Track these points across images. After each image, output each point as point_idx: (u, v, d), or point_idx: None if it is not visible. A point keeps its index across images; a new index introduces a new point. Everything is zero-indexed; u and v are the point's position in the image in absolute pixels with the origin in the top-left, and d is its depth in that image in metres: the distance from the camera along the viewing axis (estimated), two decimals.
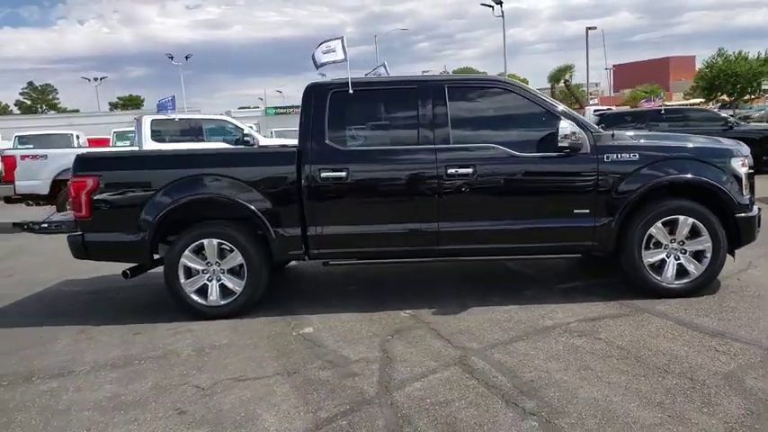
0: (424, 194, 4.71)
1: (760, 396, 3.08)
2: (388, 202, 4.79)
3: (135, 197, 4.83)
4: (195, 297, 4.86)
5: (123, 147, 17.80)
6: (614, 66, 79.36)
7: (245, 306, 4.87)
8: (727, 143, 4.97)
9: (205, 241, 4.81)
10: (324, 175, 4.71)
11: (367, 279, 5.91)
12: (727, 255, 4.77)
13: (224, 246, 4.81)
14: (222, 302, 4.86)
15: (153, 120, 12.52)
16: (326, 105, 4.81)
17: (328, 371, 3.72)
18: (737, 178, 4.69)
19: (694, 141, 4.98)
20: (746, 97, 43.57)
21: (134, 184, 4.88)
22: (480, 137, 4.82)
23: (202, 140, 12.66)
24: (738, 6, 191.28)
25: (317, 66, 4.99)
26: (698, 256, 4.71)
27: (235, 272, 4.86)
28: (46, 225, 5.18)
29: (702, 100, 44.28)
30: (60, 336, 4.69)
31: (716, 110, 23.80)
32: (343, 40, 4.94)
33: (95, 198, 4.82)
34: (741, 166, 4.73)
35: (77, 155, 5.06)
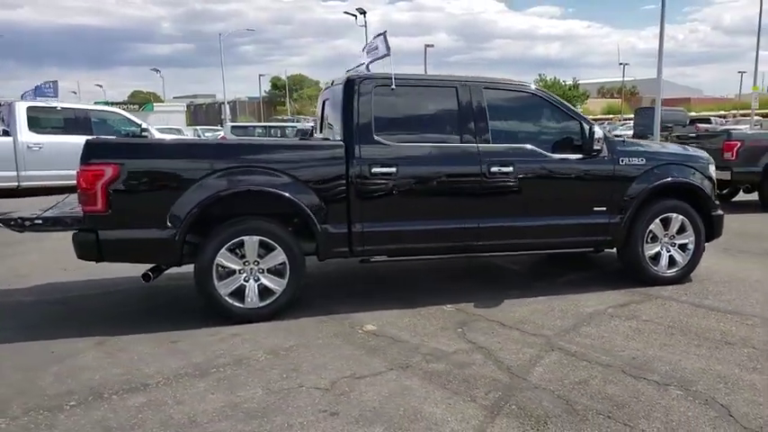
0: (467, 191, 4.89)
1: None
2: (433, 199, 4.87)
3: (166, 189, 4.33)
4: (230, 299, 4.49)
5: None
6: None
7: (285, 306, 4.62)
8: (701, 152, 5.86)
9: (245, 238, 4.47)
10: (374, 170, 4.65)
11: (371, 277, 5.87)
12: None
13: (264, 243, 4.51)
14: (261, 304, 4.55)
15: (30, 107, 10.90)
16: (371, 100, 4.76)
17: (437, 363, 3.72)
18: (712, 182, 5.58)
19: (683, 149, 5.81)
20: None
21: (165, 175, 4.37)
22: (515, 138, 5.12)
23: (91, 133, 11.30)
24: (536, 39, 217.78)
25: (367, 65, 5.02)
26: (682, 248, 5.49)
27: (273, 271, 4.58)
28: (40, 221, 4.38)
29: None
30: (78, 349, 4.03)
31: None
32: (385, 35, 4.95)
33: (114, 190, 4.23)
34: (713, 171, 5.63)
35: (87, 140, 4.35)
